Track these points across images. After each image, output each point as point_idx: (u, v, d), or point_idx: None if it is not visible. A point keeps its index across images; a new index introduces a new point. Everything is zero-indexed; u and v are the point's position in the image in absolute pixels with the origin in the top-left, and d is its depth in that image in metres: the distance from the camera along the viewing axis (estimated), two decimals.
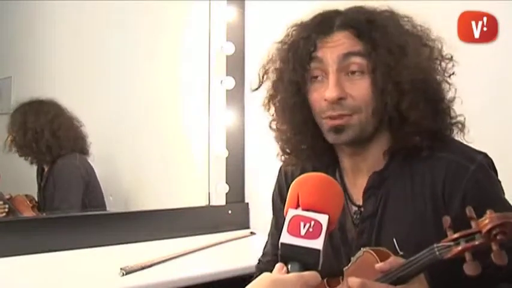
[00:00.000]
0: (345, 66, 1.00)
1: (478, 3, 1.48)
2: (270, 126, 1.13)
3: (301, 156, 1.12)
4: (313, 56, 1.02)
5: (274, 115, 1.12)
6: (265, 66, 1.11)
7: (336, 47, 1.00)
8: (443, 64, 1.05)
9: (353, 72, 1.00)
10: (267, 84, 1.12)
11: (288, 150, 1.13)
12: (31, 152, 2.00)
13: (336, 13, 1.05)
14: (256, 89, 1.13)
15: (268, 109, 1.12)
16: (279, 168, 1.24)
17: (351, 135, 1.01)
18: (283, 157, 1.14)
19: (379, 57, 0.99)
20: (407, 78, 0.98)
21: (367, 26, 1.01)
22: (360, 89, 1.00)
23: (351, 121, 1.00)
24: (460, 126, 1.06)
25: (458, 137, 1.07)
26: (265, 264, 1.24)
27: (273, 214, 1.25)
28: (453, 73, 1.06)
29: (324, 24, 1.03)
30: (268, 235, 1.28)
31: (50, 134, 2.00)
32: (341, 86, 0.99)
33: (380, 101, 1.00)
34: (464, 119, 1.07)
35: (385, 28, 1.01)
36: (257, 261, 1.30)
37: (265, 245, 1.29)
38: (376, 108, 1.01)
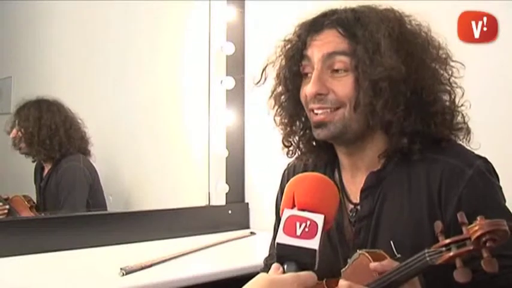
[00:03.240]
0: (330, 65, 1.01)
1: (478, 3, 1.48)
2: (274, 120, 1.15)
3: (301, 149, 1.14)
4: (303, 54, 1.05)
5: (275, 109, 1.14)
6: (268, 62, 1.13)
7: (322, 46, 1.02)
8: (438, 65, 1.04)
9: (337, 70, 1.01)
10: (270, 80, 1.14)
11: (287, 143, 1.15)
12: (43, 148, 1.98)
13: (330, 12, 1.06)
14: (258, 83, 1.15)
15: (271, 103, 1.14)
16: (282, 172, 1.25)
17: (332, 131, 1.01)
18: (285, 150, 1.16)
19: (359, 54, 0.99)
20: (381, 77, 0.97)
21: (354, 25, 1.01)
22: (343, 85, 1.00)
23: (334, 117, 1.01)
24: (464, 132, 1.05)
25: (463, 142, 1.05)
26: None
27: (276, 216, 1.25)
28: (452, 74, 1.05)
29: (315, 23, 1.05)
30: (273, 236, 1.27)
31: (63, 132, 1.99)
32: (322, 82, 1.01)
33: (362, 99, 0.99)
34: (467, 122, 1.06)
35: (366, 26, 1.00)
36: (263, 262, 1.28)
37: (270, 246, 1.28)
38: (359, 106, 1.00)
